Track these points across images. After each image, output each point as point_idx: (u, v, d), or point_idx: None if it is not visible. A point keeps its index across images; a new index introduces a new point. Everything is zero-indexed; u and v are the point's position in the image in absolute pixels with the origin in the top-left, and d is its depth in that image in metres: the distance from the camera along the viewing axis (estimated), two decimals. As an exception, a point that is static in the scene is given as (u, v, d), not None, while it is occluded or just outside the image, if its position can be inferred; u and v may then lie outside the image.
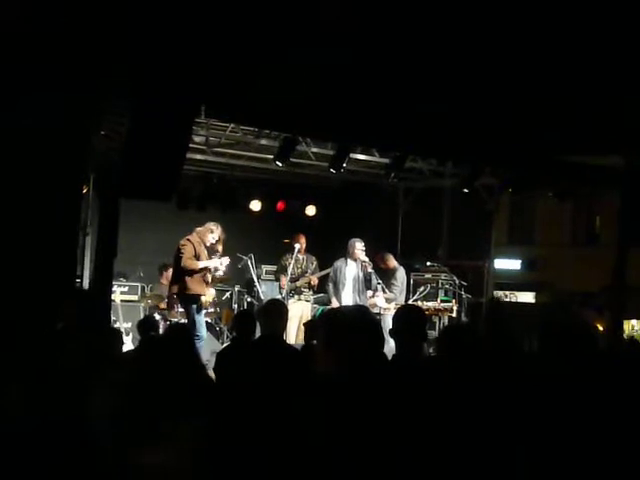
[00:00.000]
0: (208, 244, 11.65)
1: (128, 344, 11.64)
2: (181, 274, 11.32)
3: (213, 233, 11.68)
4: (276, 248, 14.75)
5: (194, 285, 11.34)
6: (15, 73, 7.34)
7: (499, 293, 17.56)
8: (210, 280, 11.78)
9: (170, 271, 12.40)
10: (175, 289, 11.41)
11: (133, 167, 8.68)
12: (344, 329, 3.95)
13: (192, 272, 11.31)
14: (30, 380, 4.34)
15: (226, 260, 11.88)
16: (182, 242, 11.43)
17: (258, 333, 7.44)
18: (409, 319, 5.33)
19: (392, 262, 13.45)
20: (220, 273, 12.11)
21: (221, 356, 7.44)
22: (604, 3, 7.36)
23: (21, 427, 3.95)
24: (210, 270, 11.62)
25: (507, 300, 18.38)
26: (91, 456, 3.68)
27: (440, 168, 15.28)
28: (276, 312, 7.06)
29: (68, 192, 8.19)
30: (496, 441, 4.21)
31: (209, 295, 12.46)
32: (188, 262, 11.27)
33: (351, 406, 3.68)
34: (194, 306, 11.30)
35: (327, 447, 3.61)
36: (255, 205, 15.60)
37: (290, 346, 7.56)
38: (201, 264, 11.40)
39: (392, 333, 5.13)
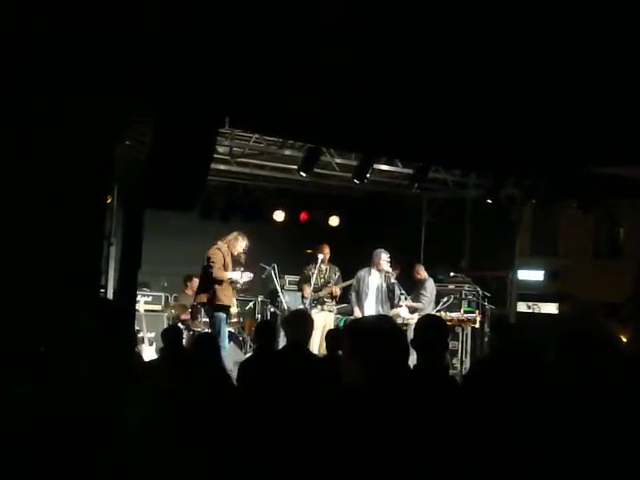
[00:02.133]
0: (236, 253, 11.66)
1: (151, 353, 11.69)
2: (210, 284, 11.32)
3: (241, 242, 11.69)
4: (299, 258, 14.76)
5: (223, 295, 11.35)
6: (40, 82, 7.39)
7: (521, 304, 17.45)
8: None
9: (195, 281, 12.42)
10: (204, 299, 11.39)
11: (157, 177, 8.72)
12: (369, 338, 3.95)
13: (221, 282, 11.32)
14: (47, 390, 4.36)
15: (248, 275, 11.91)
16: (212, 251, 11.42)
17: (282, 342, 7.47)
18: (431, 329, 5.34)
19: (423, 273, 13.52)
20: (238, 286, 12.14)
21: (243, 367, 7.47)
22: (630, 12, 7.34)
23: (33, 438, 3.97)
24: (234, 281, 11.66)
25: (530, 311, 18.30)
26: (116, 467, 3.70)
27: (463, 179, 15.26)
28: (301, 322, 7.08)
29: (92, 202, 8.22)
30: (513, 454, 4.20)
31: (235, 306, 12.54)
32: (219, 272, 11.28)
33: (377, 416, 3.68)
34: (222, 316, 11.31)
35: (353, 457, 3.62)
36: (278, 215, 15.64)
37: (314, 355, 7.57)
38: (228, 275, 11.43)
39: (414, 343, 5.13)
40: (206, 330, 11.74)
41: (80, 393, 4.16)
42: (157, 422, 3.35)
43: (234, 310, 12.81)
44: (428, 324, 5.55)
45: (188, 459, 3.54)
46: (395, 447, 3.62)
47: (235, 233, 11.81)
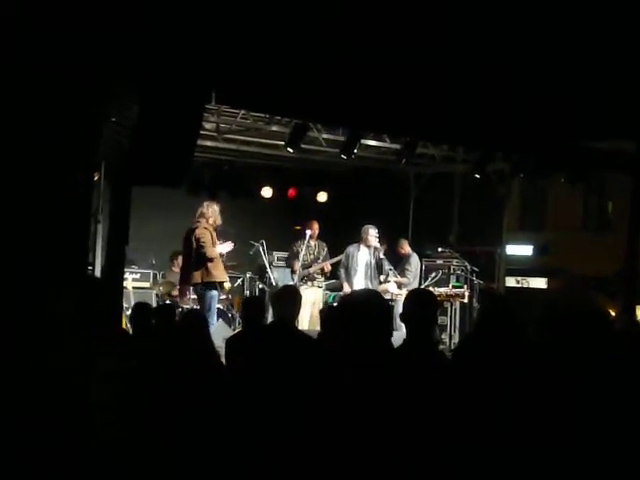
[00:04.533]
0: (219, 223, 11.63)
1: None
2: (202, 262, 11.27)
3: (217, 211, 11.65)
4: (287, 235, 14.76)
5: (217, 272, 11.34)
6: (24, 58, 7.31)
7: (509, 279, 17.48)
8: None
9: (181, 259, 12.38)
10: (198, 278, 11.33)
11: (143, 154, 8.67)
12: (356, 314, 3.93)
13: (213, 259, 11.29)
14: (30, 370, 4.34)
15: (230, 245, 11.87)
16: (199, 231, 11.34)
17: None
18: (419, 303, 5.32)
19: (407, 248, 13.56)
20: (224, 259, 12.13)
21: (230, 343, 7.45)
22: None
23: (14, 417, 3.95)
24: (222, 255, 11.64)
25: (519, 286, 18.35)
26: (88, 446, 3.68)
27: (451, 153, 15.24)
28: (289, 298, 7.05)
29: (79, 180, 8.13)
30: (499, 431, 4.18)
31: (228, 283, 12.59)
32: (212, 251, 11.26)
33: (366, 391, 3.67)
34: (214, 294, 11.29)
35: (342, 434, 3.61)
36: (266, 192, 15.62)
37: (301, 332, 7.54)
38: (218, 250, 11.40)
39: (402, 317, 5.12)
40: (195, 307, 11.73)
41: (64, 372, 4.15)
42: (134, 398, 3.33)
43: (228, 285, 12.85)
44: (417, 297, 5.53)
45: (166, 436, 3.53)
46: (384, 422, 3.61)
47: (211, 205, 11.71)
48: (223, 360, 7.02)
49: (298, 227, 14.18)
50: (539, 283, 22.78)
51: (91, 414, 3.29)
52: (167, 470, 3.32)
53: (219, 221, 11.58)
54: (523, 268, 20.41)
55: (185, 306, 12.22)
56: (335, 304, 11.82)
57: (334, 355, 4.02)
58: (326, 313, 8.58)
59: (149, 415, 3.40)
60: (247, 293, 14.55)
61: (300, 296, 7.47)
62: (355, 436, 3.58)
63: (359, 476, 3.53)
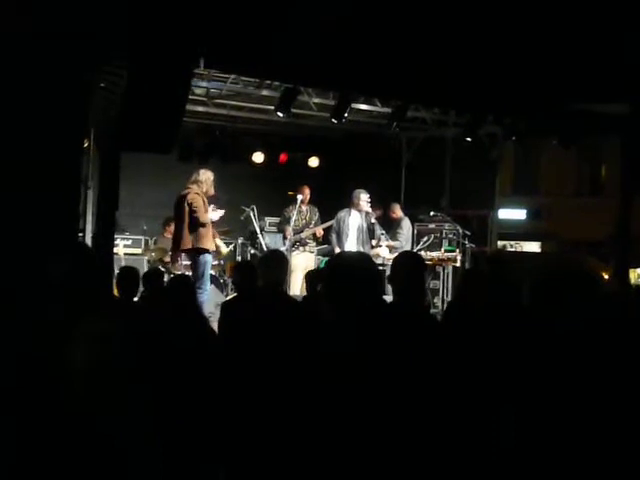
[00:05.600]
0: (212, 193, 11.57)
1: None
2: (195, 228, 11.21)
3: (212, 179, 11.58)
4: (279, 200, 14.73)
5: (208, 238, 11.29)
6: (14, 27, 7.26)
7: (502, 244, 17.50)
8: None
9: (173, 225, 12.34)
10: (189, 244, 11.29)
11: (133, 120, 8.63)
12: (346, 275, 3.92)
13: (205, 225, 11.24)
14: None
15: (220, 212, 11.81)
16: (191, 196, 11.23)
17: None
18: (406, 265, 5.31)
19: (398, 212, 13.59)
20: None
21: (225, 307, 7.45)
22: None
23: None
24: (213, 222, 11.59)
25: (511, 250, 18.38)
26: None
27: (443, 117, 15.18)
28: (276, 262, 7.04)
29: (69, 146, 8.13)
30: (487, 392, 4.19)
31: (224, 248, 12.60)
32: (204, 216, 11.18)
33: (357, 352, 3.67)
34: (208, 259, 11.27)
35: (335, 398, 3.61)
36: (258, 157, 15.58)
37: (289, 296, 7.55)
38: (210, 216, 11.35)
39: (389, 279, 5.11)
40: (186, 273, 11.70)
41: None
42: (119, 361, 3.31)
43: (225, 250, 12.87)
44: (403, 260, 5.53)
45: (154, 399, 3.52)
46: (375, 385, 3.61)
47: (206, 173, 11.62)
48: (214, 325, 7.01)
49: (292, 193, 14.13)
50: (532, 247, 22.86)
51: (77, 378, 3.27)
52: (152, 436, 3.31)
53: (212, 191, 11.50)
54: (516, 232, 20.47)
55: (177, 272, 12.19)
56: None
57: (327, 319, 4.01)
58: (312, 276, 8.57)
59: (134, 380, 3.38)
60: (239, 259, 14.53)
61: (287, 260, 7.48)
62: (350, 401, 3.59)
63: (357, 440, 3.54)
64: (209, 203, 11.49)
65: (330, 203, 14.12)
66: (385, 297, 4.30)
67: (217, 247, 12.33)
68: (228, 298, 10.43)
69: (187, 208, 11.20)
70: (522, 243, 22.21)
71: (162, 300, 7.17)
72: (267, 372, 5.35)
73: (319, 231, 13.46)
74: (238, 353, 6.18)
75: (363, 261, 4.15)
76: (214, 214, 11.50)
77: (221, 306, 7.64)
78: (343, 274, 3.95)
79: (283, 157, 16.06)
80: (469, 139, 13.66)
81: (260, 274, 7.07)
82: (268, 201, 15.00)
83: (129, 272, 8.35)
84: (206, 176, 11.48)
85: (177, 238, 11.51)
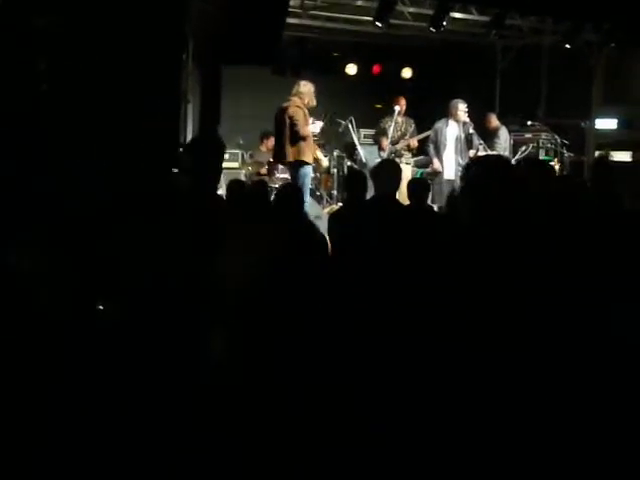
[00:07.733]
0: (314, 104, 11.49)
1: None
2: (296, 140, 11.15)
3: (313, 91, 11.51)
4: (372, 112, 14.67)
5: (309, 151, 11.24)
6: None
7: (599, 153, 17.20)
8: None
9: (271, 139, 12.35)
10: (291, 156, 11.24)
11: (233, 32, 8.65)
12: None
13: (306, 138, 11.17)
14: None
15: (320, 124, 11.77)
16: (292, 109, 11.12)
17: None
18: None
19: (495, 122, 13.41)
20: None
21: (334, 217, 7.52)
22: None
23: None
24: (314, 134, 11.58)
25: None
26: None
27: (539, 25, 14.87)
28: (391, 172, 7.08)
29: (168, 59, 8.18)
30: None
31: (325, 160, 12.63)
32: (306, 129, 11.11)
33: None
34: (308, 171, 11.29)
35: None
36: (351, 69, 15.53)
37: (404, 205, 7.56)
38: (310, 129, 11.32)
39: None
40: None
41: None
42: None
43: (325, 163, 12.89)
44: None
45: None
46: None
47: (307, 84, 11.50)
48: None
49: (379, 105, 14.05)
50: (624, 156, 22.41)
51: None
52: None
53: (313, 102, 11.38)
54: (608, 141, 20.09)
55: (274, 185, 12.27)
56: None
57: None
58: (415, 185, 8.43)
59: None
60: (334, 171, 14.55)
61: (400, 170, 7.48)
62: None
63: None
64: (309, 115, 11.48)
65: (424, 113, 14.02)
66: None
67: (317, 160, 12.31)
68: (337, 208, 10.48)
69: (288, 121, 11.13)
70: (613, 153, 21.77)
71: (271, 209, 7.22)
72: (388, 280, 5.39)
73: (414, 142, 13.36)
74: (351, 262, 6.24)
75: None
76: (314, 126, 11.46)
77: (330, 216, 7.70)
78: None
79: (376, 68, 15.96)
80: (568, 46, 13.40)
81: (374, 184, 7.12)
82: (362, 113, 14.87)
83: (237, 184, 8.38)
84: (307, 88, 11.37)
85: (278, 150, 11.49)
